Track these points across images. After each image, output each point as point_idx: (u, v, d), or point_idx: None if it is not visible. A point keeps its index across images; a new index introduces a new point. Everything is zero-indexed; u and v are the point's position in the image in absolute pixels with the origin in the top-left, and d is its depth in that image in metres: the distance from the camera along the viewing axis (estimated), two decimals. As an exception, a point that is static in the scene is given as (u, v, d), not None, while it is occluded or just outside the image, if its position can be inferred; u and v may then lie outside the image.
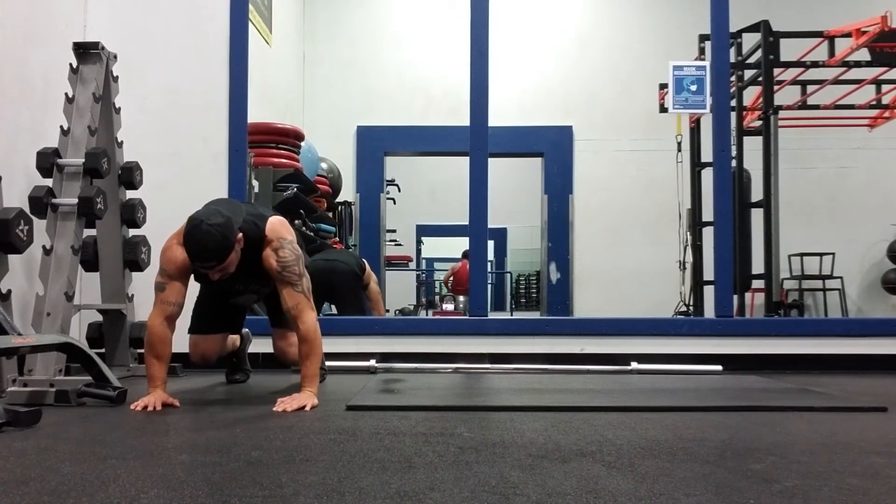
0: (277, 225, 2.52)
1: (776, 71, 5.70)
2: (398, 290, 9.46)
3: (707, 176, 5.31)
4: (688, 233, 6.34)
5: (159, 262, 2.53)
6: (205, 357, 2.89)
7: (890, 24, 5.23)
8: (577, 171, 7.74)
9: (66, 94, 3.22)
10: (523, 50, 7.75)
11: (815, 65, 5.72)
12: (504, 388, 2.97)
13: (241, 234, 2.39)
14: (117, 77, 3.44)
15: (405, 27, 8.02)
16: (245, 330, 3.22)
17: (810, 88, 6.20)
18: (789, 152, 6.01)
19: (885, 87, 6.24)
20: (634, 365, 3.57)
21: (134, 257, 3.37)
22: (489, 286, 6.49)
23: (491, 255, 11.95)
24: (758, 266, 5.58)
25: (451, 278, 9.99)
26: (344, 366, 3.57)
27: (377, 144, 7.75)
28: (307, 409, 2.33)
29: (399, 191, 8.48)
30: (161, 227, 3.56)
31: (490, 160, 3.92)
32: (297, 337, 2.47)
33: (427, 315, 9.63)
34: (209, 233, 2.28)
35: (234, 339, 3.12)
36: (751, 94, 6.11)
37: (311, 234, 5.57)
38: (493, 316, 4.07)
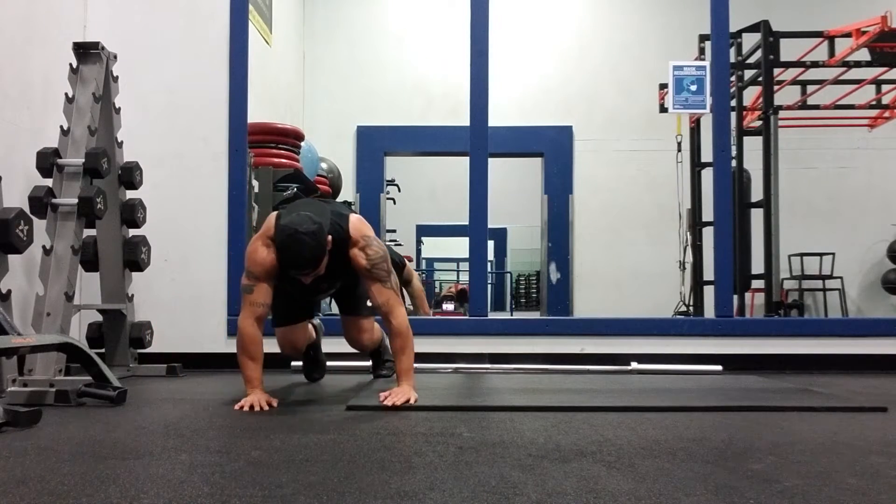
0: (359, 223, 2.56)
1: (776, 71, 5.70)
2: (398, 290, 9.46)
3: (707, 176, 5.32)
4: (688, 233, 6.34)
5: (245, 264, 2.54)
6: (295, 346, 2.94)
7: (890, 24, 5.23)
8: (577, 171, 7.74)
9: (66, 94, 3.22)
10: (523, 50, 7.75)
11: (815, 65, 5.72)
12: (504, 388, 2.97)
13: (329, 237, 2.40)
14: (117, 77, 3.44)
15: (405, 27, 8.01)
16: (317, 321, 3.22)
17: (810, 88, 6.21)
18: (789, 152, 6.02)
19: (885, 87, 6.24)
20: (634, 365, 3.57)
21: (134, 257, 3.37)
22: (489, 286, 6.48)
23: (491, 255, 11.95)
24: (758, 266, 5.59)
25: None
26: (344, 366, 3.57)
27: (377, 144, 7.75)
28: (411, 402, 2.38)
29: (399, 191, 8.48)
30: (161, 227, 3.60)
31: (490, 160, 3.92)
32: (389, 330, 2.52)
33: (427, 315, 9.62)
34: (304, 242, 2.30)
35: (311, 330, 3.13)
36: (751, 94, 6.11)
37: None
38: (493, 316, 4.07)
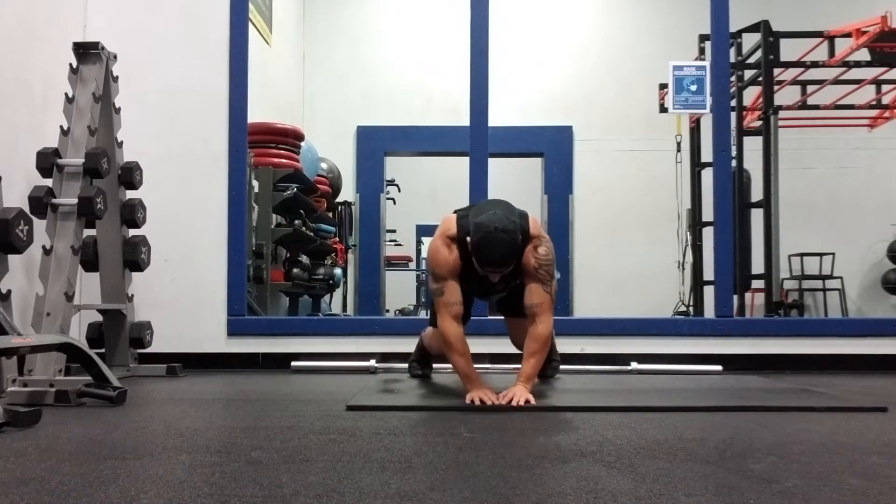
0: (536, 223, 2.59)
1: (776, 71, 5.70)
2: (398, 290, 9.46)
3: (707, 176, 5.31)
4: (688, 233, 6.34)
5: (430, 268, 2.59)
6: None
7: (890, 25, 5.23)
8: (577, 171, 7.74)
9: (66, 94, 3.21)
10: (523, 50, 7.74)
11: (815, 65, 5.72)
12: (504, 389, 2.96)
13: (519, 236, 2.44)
14: (117, 77, 3.44)
15: (405, 27, 8.01)
16: None
17: (810, 88, 6.20)
18: (789, 152, 6.01)
19: (884, 87, 6.24)
20: (634, 365, 3.56)
21: (134, 257, 3.37)
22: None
23: (491, 255, 11.88)
24: (758, 266, 5.59)
25: None
26: (344, 366, 3.57)
27: (377, 144, 7.75)
28: (532, 402, 2.38)
29: (399, 191, 8.47)
30: (161, 227, 3.59)
31: (490, 160, 3.92)
32: (528, 331, 2.54)
33: (426, 315, 9.62)
34: (505, 241, 2.36)
35: None
36: (751, 94, 6.11)
37: (311, 234, 5.57)
38: (492, 316, 4.06)
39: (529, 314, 2.54)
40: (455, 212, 2.68)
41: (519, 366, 3.53)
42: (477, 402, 2.37)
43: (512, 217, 2.43)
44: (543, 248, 2.53)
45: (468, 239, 2.43)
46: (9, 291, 2.67)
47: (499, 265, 2.41)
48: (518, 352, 3.16)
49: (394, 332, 3.88)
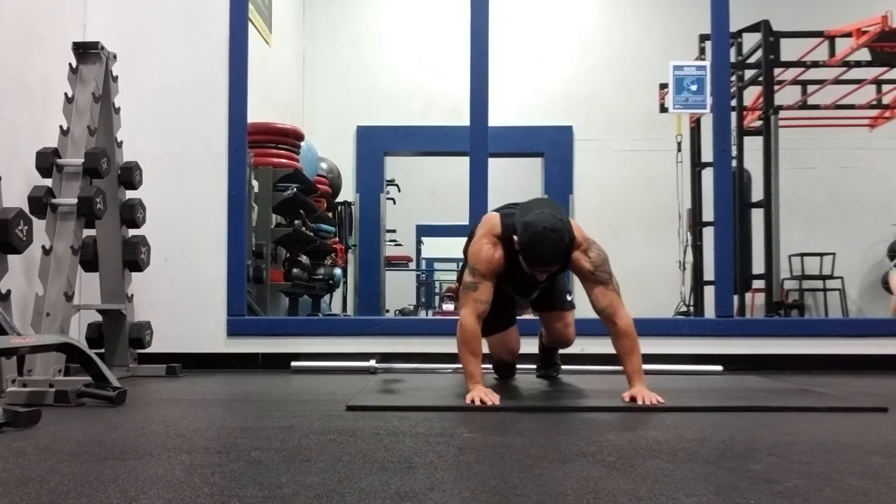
0: (580, 228, 2.60)
1: (776, 71, 5.70)
2: (398, 291, 9.45)
3: (707, 176, 5.31)
4: (688, 233, 6.34)
5: (470, 262, 2.59)
6: (513, 351, 2.97)
7: (890, 24, 5.23)
8: (577, 170, 7.74)
9: (66, 94, 3.21)
10: (523, 50, 7.75)
11: (815, 65, 5.72)
12: (504, 388, 2.96)
13: None
14: (117, 77, 3.44)
15: (405, 27, 8.02)
16: None
17: (811, 88, 6.21)
18: (790, 152, 6.01)
19: (885, 87, 6.24)
20: (635, 365, 3.55)
21: (133, 257, 3.37)
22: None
23: (491, 256, 11.83)
24: (758, 266, 5.59)
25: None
26: (344, 366, 3.57)
27: (377, 144, 7.75)
28: (653, 401, 2.37)
29: (399, 191, 8.47)
30: (161, 227, 3.59)
31: (490, 160, 3.91)
32: (613, 333, 2.53)
33: (427, 315, 9.62)
34: (556, 241, 2.37)
35: None
36: (751, 94, 6.11)
37: (311, 234, 5.57)
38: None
39: (605, 317, 2.53)
40: (497, 210, 2.68)
41: (521, 366, 3.54)
42: (477, 403, 2.36)
43: (559, 216, 2.43)
44: (593, 251, 2.55)
45: (515, 238, 2.44)
46: (8, 291, 2.67)
47: (547, 264, 2.42)
48: (528, 352, 3.18)
49: (394, 332, 3.88)
